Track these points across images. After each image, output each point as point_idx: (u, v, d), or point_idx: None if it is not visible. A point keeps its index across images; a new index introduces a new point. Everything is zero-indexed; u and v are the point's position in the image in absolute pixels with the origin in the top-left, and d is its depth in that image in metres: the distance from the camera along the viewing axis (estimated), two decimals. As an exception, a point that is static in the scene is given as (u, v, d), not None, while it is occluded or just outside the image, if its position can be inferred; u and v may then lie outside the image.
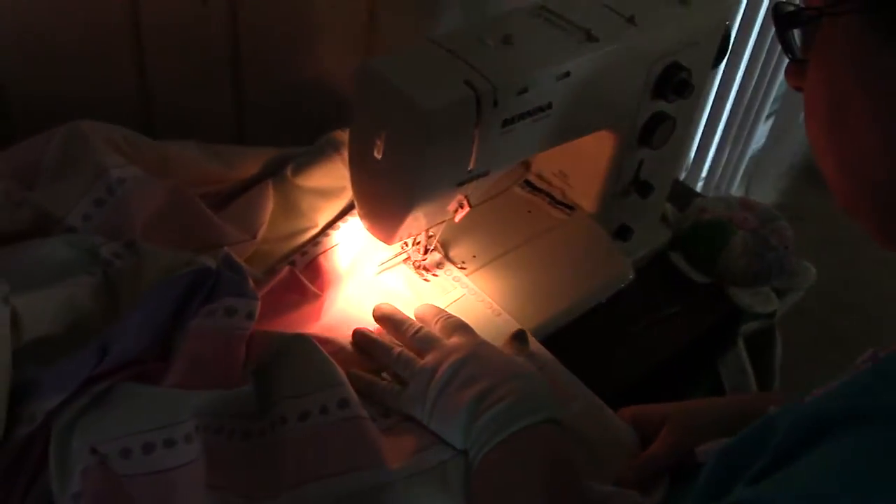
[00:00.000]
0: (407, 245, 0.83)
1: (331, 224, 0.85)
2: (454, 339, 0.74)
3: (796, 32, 0.55)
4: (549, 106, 0.74)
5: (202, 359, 0.65)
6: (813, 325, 1.89)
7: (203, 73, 0.92)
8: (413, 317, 0.79)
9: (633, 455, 0.74)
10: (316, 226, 0.85)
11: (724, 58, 0.88)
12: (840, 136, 0.52)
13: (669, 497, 0.72)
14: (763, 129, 2.20)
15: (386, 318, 0.78)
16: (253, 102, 0.98)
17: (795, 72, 0.57)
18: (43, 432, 0.62)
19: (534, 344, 0.80)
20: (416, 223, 0.76)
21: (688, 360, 0.95)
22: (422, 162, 0.69)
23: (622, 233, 0.95)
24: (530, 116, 0.73)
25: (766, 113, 2.11)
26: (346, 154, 0.88)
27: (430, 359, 0.71)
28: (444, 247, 0.89)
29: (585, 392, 0.78)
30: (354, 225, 0.84)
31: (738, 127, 2.04)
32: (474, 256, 0.89)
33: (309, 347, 0.70)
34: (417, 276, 0.84)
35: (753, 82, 1.95)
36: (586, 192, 0.93)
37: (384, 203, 0.75)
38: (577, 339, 0.87)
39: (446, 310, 0.79)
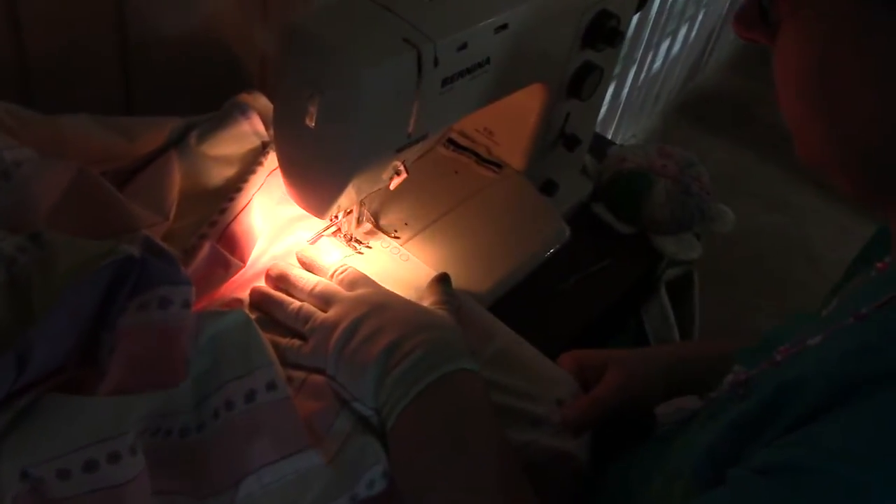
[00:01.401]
0: (336, 217, 0.77)
1: (233, 188, 0.78)
2: (357, 292, 0.69)
3: None
4: (487, 61, 0.70)
5: (140, 359, 0.58)
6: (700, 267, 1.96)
7: (84, 34, 0.82)
8: (298, 262, 0.74)
9: (571, 395, 0.72)
10: (227, 195, 0.78)
11: (645, 3, 0.86)
12: (828, 102, 0.49)
13: (627, 454, 0.71)
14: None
15: (281, 278, 0.72)
16: (140, 66, 0.89)
17: (755, 27, 0.52)
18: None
19: None
20: (351, 193, 0.71)
21: (615, 311, 0.95)
22: (360, 128, 0.64)
23: (548, 188, 0.93)
24: (469, 74, 0.69)
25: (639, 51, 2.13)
26: (254, 118, 0.82)
27: (331, 312, 0.67)
28: (374, 216, 0.83)
29: (505, 330, 0.76)
30: (255, 183, 0.77)
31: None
32: (406, 224, 0.84)
33: (246, 323, 0.64)
34: (350, 248, 0.79)
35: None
36: (514, 149, 0.90)
37: (317, 174, 0.69)
38: (509, 302, 0.84)
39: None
